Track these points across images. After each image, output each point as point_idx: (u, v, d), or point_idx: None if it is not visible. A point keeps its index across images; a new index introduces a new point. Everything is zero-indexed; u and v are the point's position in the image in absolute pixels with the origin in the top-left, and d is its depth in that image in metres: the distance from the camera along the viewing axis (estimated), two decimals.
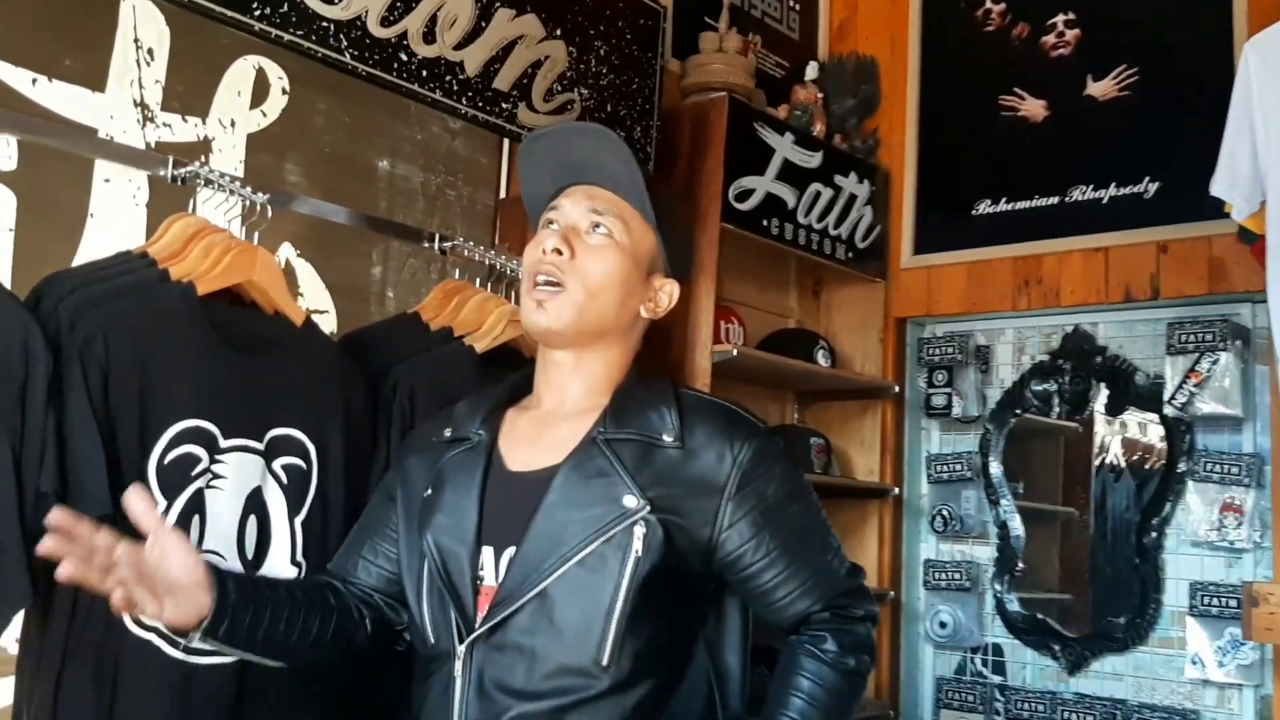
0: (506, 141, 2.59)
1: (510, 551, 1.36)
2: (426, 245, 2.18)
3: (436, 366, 1.95)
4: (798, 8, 3.37)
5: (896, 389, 3.18)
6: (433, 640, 1.38)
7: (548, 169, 1.47)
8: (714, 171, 2.65)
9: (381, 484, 1.63)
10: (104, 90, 1.98)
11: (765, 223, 2.79)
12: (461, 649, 1.34)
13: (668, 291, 1.48)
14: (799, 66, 3.22)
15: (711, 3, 2.99)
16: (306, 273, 2.29)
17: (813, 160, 2.92)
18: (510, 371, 1.99)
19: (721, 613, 1.46)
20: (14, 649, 1.58)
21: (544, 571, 1.32)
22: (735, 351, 2.63)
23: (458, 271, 2.16)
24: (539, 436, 1.44)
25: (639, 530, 1.31)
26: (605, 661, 1.30)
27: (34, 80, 1.89)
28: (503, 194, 2.65)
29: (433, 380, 1.92)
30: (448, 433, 1.49)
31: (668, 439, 1.36)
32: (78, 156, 1.92)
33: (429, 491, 1.45)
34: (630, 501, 1.32)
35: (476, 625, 1.34)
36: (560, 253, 1.40)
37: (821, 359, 3.01)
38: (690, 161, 2.66)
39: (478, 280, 2.17)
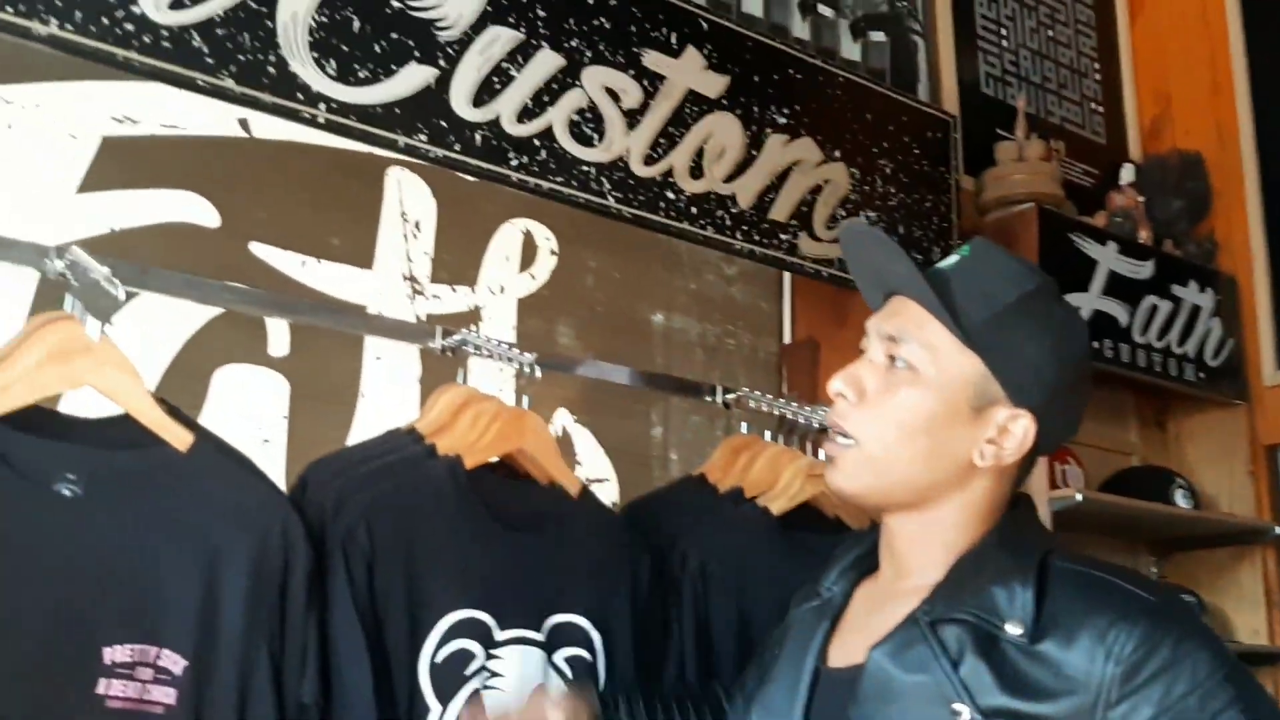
0: (788, 283, 2.41)
1: None
2: (709, 400, 1.99)
3: (729, 534, 1.72)
4: (1102, 110, 3.05)
5: (1278, 530, 2.66)
6: None
7: (868, 281, 1.23)
8: None
9: None
10: (371, 267, 1.95)
11: (1095, 345, 2.42)
12: None
13: (1021, 427, 1.12)
14: (1110, 172, 2.87)
15: (999, 115, 2.72)
16: (584, 439, 2.15)
17: (1143, 270, 2.55)
18: (814, 536, 1.75)
19: None
20: None
21: None
22: (1079, 497, 2.24)
23: (744, 426, 1.96)
24: (866, 620, 1.15)
25: None
26: None
27: (303, 263, 1.88)
28: (786, 339, 2.46)
29: (725, 549, 1.69)
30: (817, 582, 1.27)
31: (1012, 630, 1.02)
32: (348, 336, 1.88)
33: (776, 649, 1.23)
34: (963, 713, 1.00)
35: None
36: (846, 397, 1.15)
37: (1181, 500, 2.56)
38: None
39: (767, 434, 1.96)
